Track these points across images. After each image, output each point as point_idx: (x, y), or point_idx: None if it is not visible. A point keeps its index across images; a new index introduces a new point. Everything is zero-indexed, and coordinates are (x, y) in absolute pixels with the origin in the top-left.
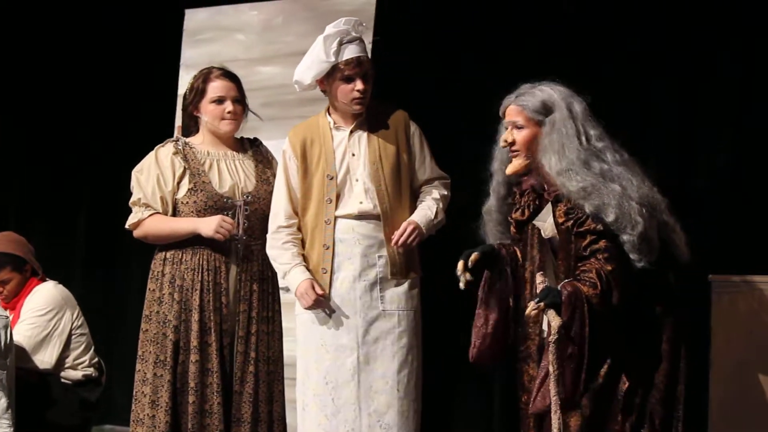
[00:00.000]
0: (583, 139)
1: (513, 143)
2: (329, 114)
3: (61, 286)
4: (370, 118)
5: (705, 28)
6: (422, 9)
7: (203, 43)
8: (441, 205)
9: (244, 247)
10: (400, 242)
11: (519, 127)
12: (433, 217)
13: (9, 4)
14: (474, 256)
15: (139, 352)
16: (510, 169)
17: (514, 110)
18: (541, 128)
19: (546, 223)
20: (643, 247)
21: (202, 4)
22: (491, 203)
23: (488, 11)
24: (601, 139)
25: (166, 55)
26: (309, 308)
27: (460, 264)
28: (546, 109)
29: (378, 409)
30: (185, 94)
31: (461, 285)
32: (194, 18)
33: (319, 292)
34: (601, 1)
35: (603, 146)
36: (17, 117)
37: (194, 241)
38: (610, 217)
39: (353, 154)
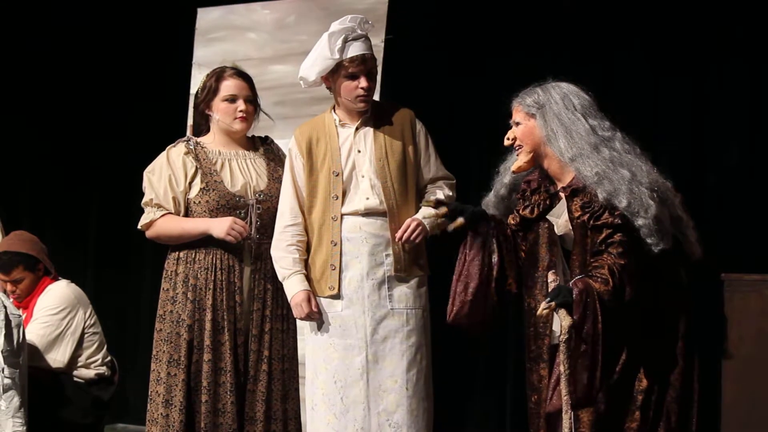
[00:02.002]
0: (588, 127)
1: (515, 139)
2: (334, 111)
3: (73, 285)
4: (375, 115)
5: (717, 26)
6: (434, 8)
7: (215, 41)
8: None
9: (257, 246)
10: (403, 239)
11: (518, 124)
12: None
13: (21, 4)
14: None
15: (154, 352)
16: (514, 166)
17: (515, 108)
18: (536, 121)
19: (560, 219)
20: (658, 230)
21: (215, 3)
22: (489, 199)
23: (500, 10)
24: (607, 129)
25: (178, 53)
26: (301, 319)
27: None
28: (538, 104)
29: (387, 408)
30: (197, 92)
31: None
32: (206, 17)
33: (314, 308)
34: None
35: (610, 135)
36: (29, 117)
37: (207, 240)
38: (622, 203)
39: (359, 151)
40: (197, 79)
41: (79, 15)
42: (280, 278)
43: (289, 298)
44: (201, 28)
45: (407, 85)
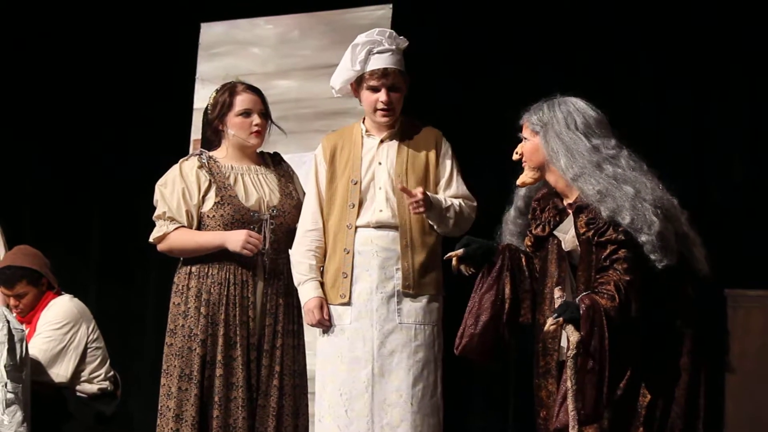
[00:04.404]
0: (589, 146)
1: (522, 155)
2: (363, 122)
3: (76, 299)
4: (403, 131)
5: (720, 37)
6: (438, 23)
7: (219, 56)
8: (458, 209)
9: (271, 261)
10: (412, 194)
11: (526, 139)
12: (444, 206)
13: (23, 20)
14: (457, 255)
15: (164, 366)
16: (519, 180)
17: (523, 124)
18: (539, 139)
19: (567, 235)
20: (662, 246)
21: (218, 18)
22: (509, 214)
23: (504, 25)
24: (612, 147)
25: (181, 68)
26: (312, 325)
27: (454, 261)
28: (542, 122)
29: (391, 423)
30: (208, 107)
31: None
32: (210, 32)
33: (325, 316)
34: (622, 19)
35: (615, 153)
36: (31, 131)
37: (220, 255)
38: (626, 220)
39: (380, 163)
40: (201, 94)
41: (82, 29)
42: (295, 283)
43: (302, 304)
44: (204, 43)
45: (411, 99)
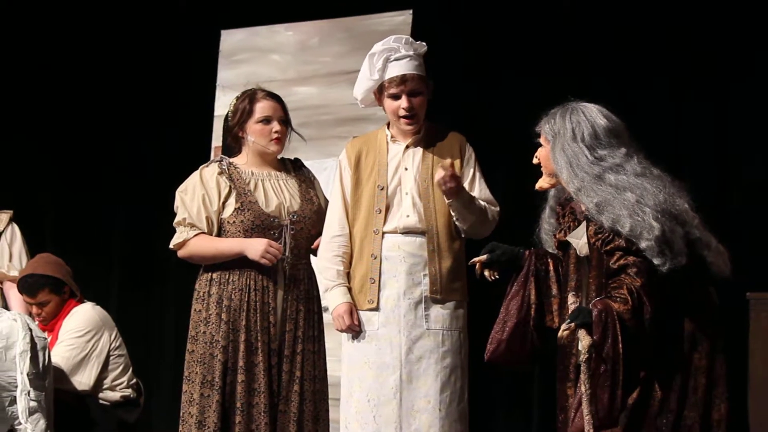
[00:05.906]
0: (591, 158)
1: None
2: (388, 128)
3: (98, 307)
4: (427, 136)
5: (738, 43)
6: (459, 28)
7: (239, 64)
8: (483, 208)
9: (291, 267)
10: (440, 175)
11: (542, 146)
12: (473, 199)
13: (42, 27)
14: (481, 261)
15: (186, 373)
16: (537, 185)
17: (540, 131)
18: (549, 148)
19: (580, 241)
20: (664, 250)
21: (238, 26)
22: (545, 213)
23: (526, 32)
24: (618, 156)
25: (202, 76)
26: (342, 331)
27: (478, 266)
28: (553, 132)
29: (419, 429)
30: (228, 115)
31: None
32: (230, 39)
33: (355, 321)
34: (639, 22)
35: (621, 161)
36: (52, 139)
37: (241, 261)
38: (625, 228)
39: (406, 169)
40: (221, 101)
41: (104, 37)
42: (322, 289)
43: (330, 310)
44: (225, 51)
45: (431, 104)
